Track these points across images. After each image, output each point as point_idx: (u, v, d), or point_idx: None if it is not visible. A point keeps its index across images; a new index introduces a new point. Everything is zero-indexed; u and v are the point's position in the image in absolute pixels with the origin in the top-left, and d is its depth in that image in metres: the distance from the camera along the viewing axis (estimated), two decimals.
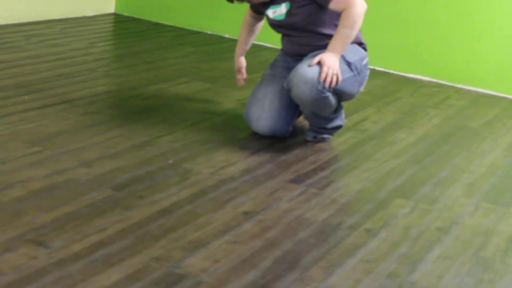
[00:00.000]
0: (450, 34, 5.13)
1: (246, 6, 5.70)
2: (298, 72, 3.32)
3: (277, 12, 3.48)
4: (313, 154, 3.46)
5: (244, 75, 3.88)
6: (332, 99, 3.38)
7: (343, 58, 3.40)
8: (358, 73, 3.46)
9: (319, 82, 3.27)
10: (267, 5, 3.54)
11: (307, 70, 3.29)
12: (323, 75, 3.26)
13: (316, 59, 3.30)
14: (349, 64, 3.41)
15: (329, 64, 3.27)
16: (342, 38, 3.29)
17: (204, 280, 2.23)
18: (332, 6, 3.35)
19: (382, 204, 2.99)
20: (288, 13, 3.45)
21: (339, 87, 3.35)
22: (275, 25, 3.56)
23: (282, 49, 3.76)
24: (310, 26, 3.46)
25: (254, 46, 5.62)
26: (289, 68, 3.64)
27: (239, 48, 3.87)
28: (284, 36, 3.63)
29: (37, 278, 2.11)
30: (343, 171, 3.30)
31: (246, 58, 5.19)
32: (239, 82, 3.89)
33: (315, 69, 3.29)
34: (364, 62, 3.51)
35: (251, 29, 3.83)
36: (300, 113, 3.81)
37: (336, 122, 3.61)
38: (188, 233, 2.52)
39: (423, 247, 2.66)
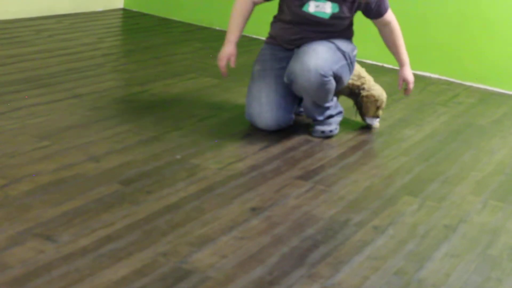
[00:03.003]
0: (459, 32, 5.11)
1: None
2: (299, 62, 3.42)
3: (320, 8, 3.47)
4: (321, 151, 3.46)
5: (233, 64, 3.57)
6: (333, 83, 3.49)
7: (337, 47, 3.53)
8: (351, 62, 3.61)
9: (321, 68, 3.39)
10: None
11: (307, 58, 3.40)
12: (409, 92, 3.83)
13: (400, 81, 3.81)
14: (343, 52, 3.55)
15: (412, 79, 3.82)
16: (404, 47, 3.77)
17: (211, 275, 2.23)
18: (386, 17, 3.65)
19: (390, 201, 2.99)
20: (335, 16, 3.50)
21: (337, 72, 3.48)
22: (304, 17, 3.51)
23: (268, 42, 3.69)
24: (338, 27, 3.58)
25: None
26: (279, 59, 3.61)
27: (234, 35, 3.55)
28: (286, 23, 3.60)
29: (45, 272, 2.12)
30: (351, 168, 3.29)
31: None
32: (225, 73, 3.58)
33: (314, 56, 3.40)
34: (354, 53, 3.65)
35: (247, 15, 3.57)
36: (299, 101, 3.81)
37: (338, 108, 3.71)
38: (195, 228, 2.52)
39: (430, 244, 2.65)
